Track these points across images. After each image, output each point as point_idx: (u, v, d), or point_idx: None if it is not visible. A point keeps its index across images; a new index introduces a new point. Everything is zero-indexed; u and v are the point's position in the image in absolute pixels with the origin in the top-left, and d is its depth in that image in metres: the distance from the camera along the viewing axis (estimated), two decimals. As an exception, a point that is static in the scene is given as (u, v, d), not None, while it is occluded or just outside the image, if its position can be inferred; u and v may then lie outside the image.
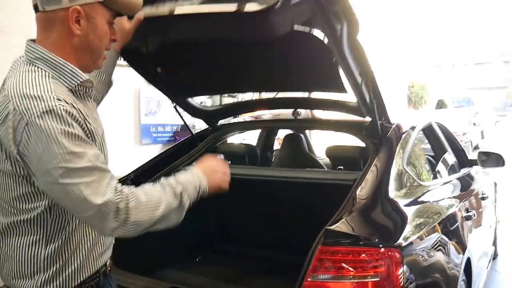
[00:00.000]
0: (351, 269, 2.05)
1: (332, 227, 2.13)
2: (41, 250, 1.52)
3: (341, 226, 2.16)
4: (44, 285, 1.54)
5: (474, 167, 4.57)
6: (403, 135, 3.07)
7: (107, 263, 1.74)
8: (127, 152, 6.65)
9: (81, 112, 1.49)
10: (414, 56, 23.43)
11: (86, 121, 1.50)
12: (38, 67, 1.51)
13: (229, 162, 2.03)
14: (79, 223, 1.57)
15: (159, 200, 1.53)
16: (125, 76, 6.72)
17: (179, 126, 7.66)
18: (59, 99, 1.43)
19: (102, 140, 1.61)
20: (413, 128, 3.31)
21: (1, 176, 1.50)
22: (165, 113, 7.43)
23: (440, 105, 22.89)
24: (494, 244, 5.27)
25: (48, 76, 1.49)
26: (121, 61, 6.63)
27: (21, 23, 5.09)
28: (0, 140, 1.45)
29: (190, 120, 7.61)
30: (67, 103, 1.45)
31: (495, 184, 5.46)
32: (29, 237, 1.52)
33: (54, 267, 1.54)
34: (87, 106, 1.60)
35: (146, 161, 3.51)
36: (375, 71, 2.61)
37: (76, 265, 1.57)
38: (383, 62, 17.69)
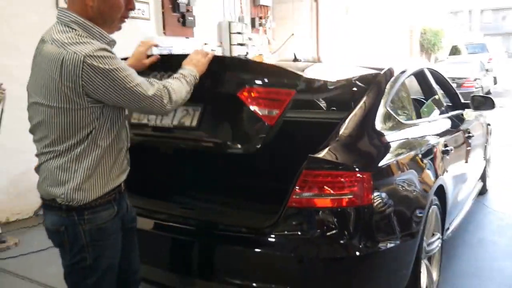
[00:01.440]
0: (330, 189, 2.50)
1: (315, 155, 2.57)
2: (75, 166, 2.03)
3: (323, 154, 2.59)
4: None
5: (466, 109, 4.96)
6: (392, 79, 3.44)
7: (122, 184, 2.23)
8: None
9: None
10: (427, 2, 23.24)
11: None
12: (72, 28, 1.98)
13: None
14: (104, 149, 2.06)
15: (183, 87, 2.25)
16: (138, 27, 7.06)
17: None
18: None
19: None
20: (402, 72, 3.68)
21: (60, 112, 1.95)
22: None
23: (454, 51, 22.91)
24: (483, 180, 5.73)
25: (83, 36, 1.96)
26: (134, 13, 7.05)
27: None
28: (66, 80, 1.90)
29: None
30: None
31: (488, 126, 5.82)
32: (68, 156, 2.02)
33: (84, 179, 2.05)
34: None
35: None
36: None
37: (100, 180, 2.07)
38: (392, 8, 17.72)
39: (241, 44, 9.11)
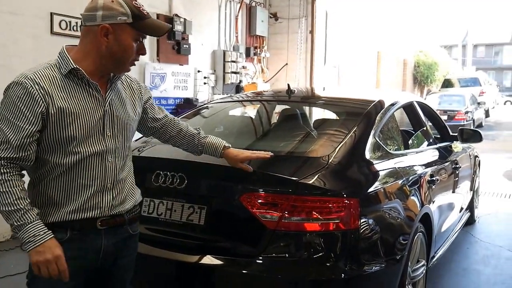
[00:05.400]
0: (318, 214, 2.61)
1: (303, 181, 2.69)
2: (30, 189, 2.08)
3: (313, 180, 2.71)
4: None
5: (455, 142, 5.10)
6: (382, 110, 3.58)
7: (98, 222, 2.11)
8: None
9: (46, 89, 1.96)
10: (421, 36, 23.66)
11: (50, 98, 1.96)
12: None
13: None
14: (47, 180, 2.05)
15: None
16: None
17: (182, 99, 8.25)
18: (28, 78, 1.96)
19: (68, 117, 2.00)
20: (393, 104, 3.82)
21: None
22: (168, 87, 7.99)
23: (447, 84, 23.27)
24: (471, 210, 5.84)
25: (49, 65, 2.05)
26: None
27: (34, 4, 5.64)
28: None
29: (192, 94, 8.14)
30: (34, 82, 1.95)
31: (476, 158, 5.95)
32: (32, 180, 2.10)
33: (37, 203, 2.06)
34: (76, 87, 2.04)
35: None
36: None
37: (46, 207, 2.06)
38: (386, 41, 18.01)
39: (235, 73, 9.27)
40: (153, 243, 2.96)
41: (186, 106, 7.69)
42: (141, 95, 2.38)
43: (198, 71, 8.60)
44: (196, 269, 2.84)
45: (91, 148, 2.06)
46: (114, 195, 2.15)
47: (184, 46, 8.10)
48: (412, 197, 3.32)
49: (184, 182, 2.88)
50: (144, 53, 2.15)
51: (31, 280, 2.10)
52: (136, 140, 3.67)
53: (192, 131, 2.59)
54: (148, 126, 2.49)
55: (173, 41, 7.95)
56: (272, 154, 2.72)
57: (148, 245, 2.90)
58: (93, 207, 2.10)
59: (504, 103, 38.81)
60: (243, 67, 9.64)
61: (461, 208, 5.09)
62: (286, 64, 10.68)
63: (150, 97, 2.47)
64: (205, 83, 8.75)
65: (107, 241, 2.16)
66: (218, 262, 2.78)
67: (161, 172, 2.97)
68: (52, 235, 1.96)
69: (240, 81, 9.50)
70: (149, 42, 7.57)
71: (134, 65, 2.18)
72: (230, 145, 2.64)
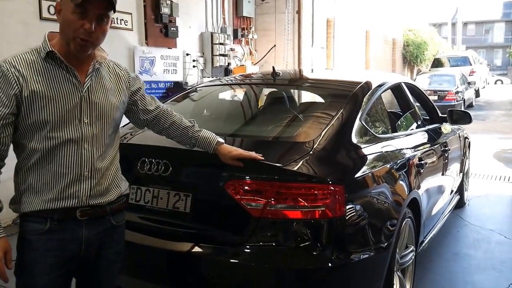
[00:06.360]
0: (303, 201, 2.54)
1: (288, 167, 2.61)
2: (15, 178, 2.12)
3: (298, 166, 2.63)
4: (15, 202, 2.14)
5: (444, 123, 5.04)
6: (369, 92, 3.50)
7: (78, 212, 2.09)
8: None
9: (21, 72, 1.96)
10: (409, 15, 23.52)
11: (25, 80, 1.96)
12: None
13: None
14: (28, 168, 2.05)
15: None
16: (120, 37, 7.16)
17: (172, 83, 8.17)
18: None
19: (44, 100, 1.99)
20: (380, 86, 3.74)
21: None
22: (158, 71, 7.91)
23: (437, 64, 23.22)
24: (461, 193, 5.80)
25: (31, 50, 2.05)
26: (117, 24, 7.12)
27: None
28: None
29: (182, 78, 8.04)
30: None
31: (466, 139, 5.90)
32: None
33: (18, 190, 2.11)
34: (54, 71, 2.02)
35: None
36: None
37: (28, 197, 2.07)
38: (375, 20, 17.88)
39: (223, 55, 9.16)
40: (141, 230, 2.91)
41: (176, 90, 7.56)
42: (129, 84, 2.32)
43: (187, 54, 8.51)
44: (182, 257, 2.78)
45: (66, 134, 2.03)
46: (92, 185, 2.11)
47: (172, 29, 7.99)
48: (400, 182, 3.25)
49: (168, 169, 2.82)
50: (87, 28, 1.96)
51: (17, 268, 2.13)
52: (122, 127, 3.59)
53: (185, 123, 2.55)
54: (140, 118, 2.45)
55: (160, 24, 7.84)
56: (263, 158, 2.62)
57: (136, 233, 2.85)
58: (71, 196, 2.07)
59: (495, 82, 38.94)
60: (231, 49, 9.53)
61: (451, 191, 5.05)
62: (274, 45, 10.57)
63: (141, 88, 2.41)
64: (194, 66, 8.65)
65: (89, 232, 2.13)
66: (204, 250, 2.72)
67: (146, 159, 2.90)
68: (4, 234, 2.07)
69: (229, 64, 9.40)
70: (137, 26, 7.48)
71: (84, 42, 1.99)
72: (224, 141, 2.60)
